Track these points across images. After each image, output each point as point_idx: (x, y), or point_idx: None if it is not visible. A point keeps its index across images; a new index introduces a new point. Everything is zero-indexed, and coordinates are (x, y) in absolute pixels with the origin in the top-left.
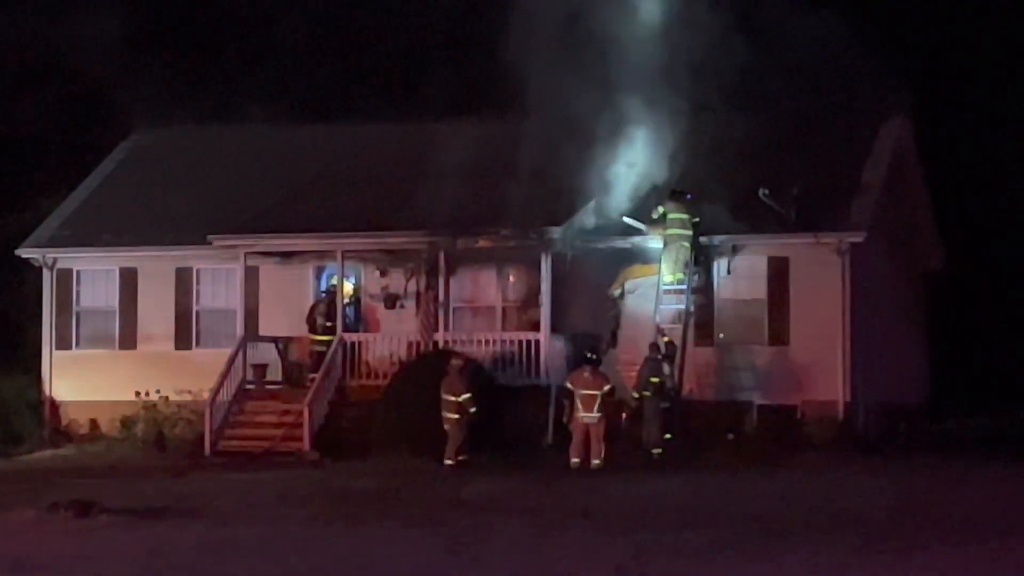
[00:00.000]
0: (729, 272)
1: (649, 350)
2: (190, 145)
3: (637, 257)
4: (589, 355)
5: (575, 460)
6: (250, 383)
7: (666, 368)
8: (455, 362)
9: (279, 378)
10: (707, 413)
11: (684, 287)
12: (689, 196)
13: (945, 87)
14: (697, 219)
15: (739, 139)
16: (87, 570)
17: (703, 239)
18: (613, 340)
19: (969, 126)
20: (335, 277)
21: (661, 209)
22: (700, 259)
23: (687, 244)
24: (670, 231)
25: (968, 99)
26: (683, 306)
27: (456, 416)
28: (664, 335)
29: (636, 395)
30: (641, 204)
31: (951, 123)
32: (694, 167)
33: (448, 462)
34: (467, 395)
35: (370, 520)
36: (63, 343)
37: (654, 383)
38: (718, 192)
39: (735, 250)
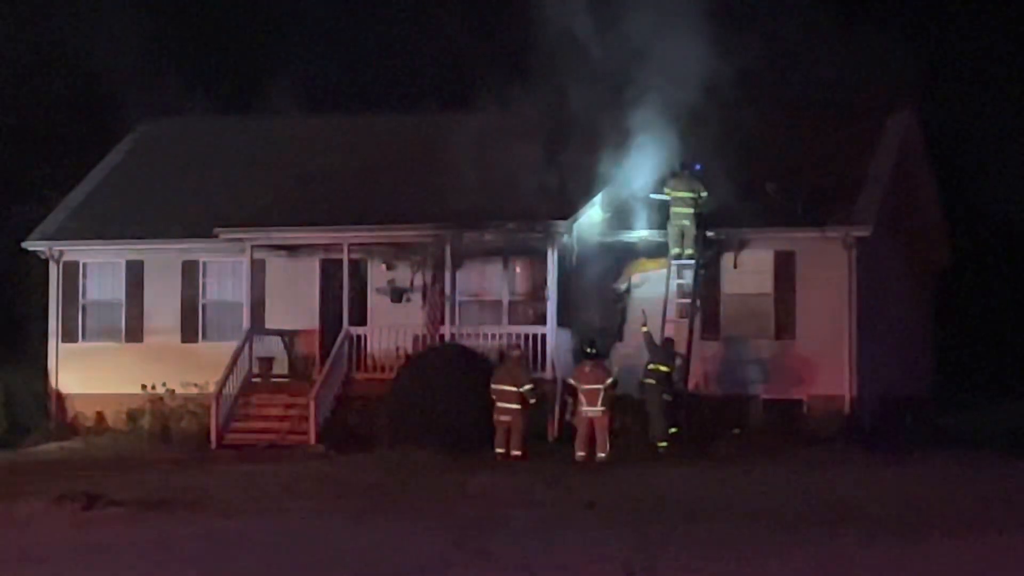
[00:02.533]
0: (736, 266)
1: (644, 338)
2: (196, 137)
3: (643, 251)
4: (589, 350)
5: (580, 454)
6: (256, 376)
7: (679, 361)
8: (514, 353)
9: (285, 371)
10: (713, 407)
11: (692, 263)
12: (698, 167)
13: (953, 80)
14: (704, 193)
15: (745, 132)
16: (94, 562)
17: (709, 233)
18: (619, 334)
19: (976, 119)
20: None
21: (667, 190)
22: (707, 235)
23: (687, 222)
24: (673, 209)
25: (976, 92)
26: (689, 300)
27: (517, 407)
28: (645, 326)
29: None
30: (646, 196)
31: (958, 116)
32: (700, 160)
33: (516, 453)
34: (529, 386)
35: (375, 513)
36: (69, 336)
37: (662, 372)
38: (724, 185)
39: (741, 244)
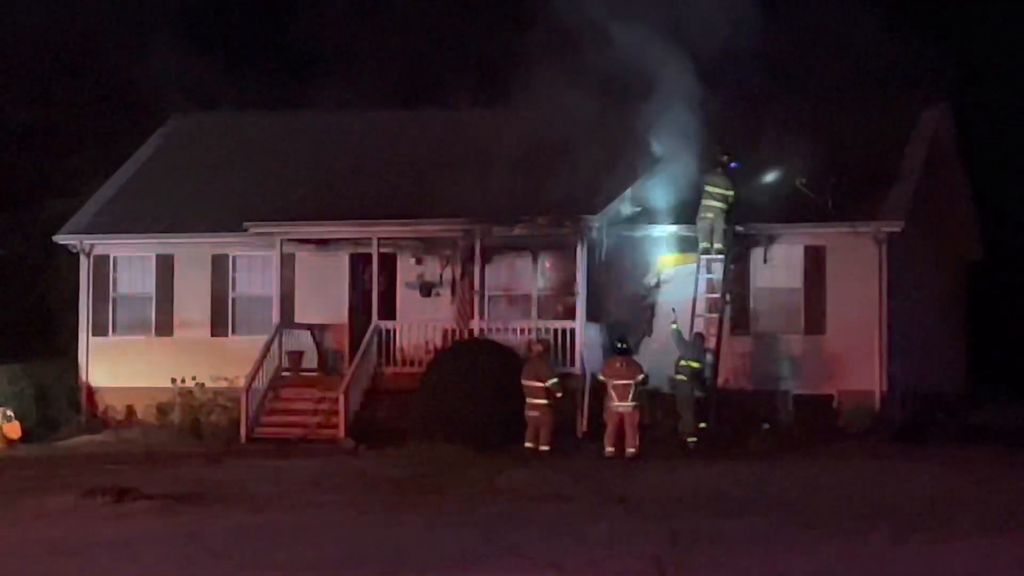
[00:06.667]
0: (766, 261)
1: (673, 335)
2: (227, 131)
3: (673, 246)
4: (620, 344)
5: (610, 449)
6: (286, 370)
7: (709, 357)
8: (536, 347)
9: (315, 365)
10: (743, 402)
11: (722, 257)
12: (733, 165)
13: (984, 74)
14: (731, 192)
15: (776, 126)
16: (124, 555)
17: (739, 228)
18: (648, 329)
19: (1009, 113)
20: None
21: (705, 185)
22: (737, 230)
23: (711, 215)
24: (703, 203)
25: (1008, 86)
26: (718, 295)
27: (545, 402)
28: (675, 323)
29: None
30: (677, 193)
31: (990, 110)
32: (730, 154)
33: (544, 448)
34: (555, 380)
35: (405, 507)
36: (100, 329)
37: (693, 367)
38: (754, 180)
39: (771, 239)
